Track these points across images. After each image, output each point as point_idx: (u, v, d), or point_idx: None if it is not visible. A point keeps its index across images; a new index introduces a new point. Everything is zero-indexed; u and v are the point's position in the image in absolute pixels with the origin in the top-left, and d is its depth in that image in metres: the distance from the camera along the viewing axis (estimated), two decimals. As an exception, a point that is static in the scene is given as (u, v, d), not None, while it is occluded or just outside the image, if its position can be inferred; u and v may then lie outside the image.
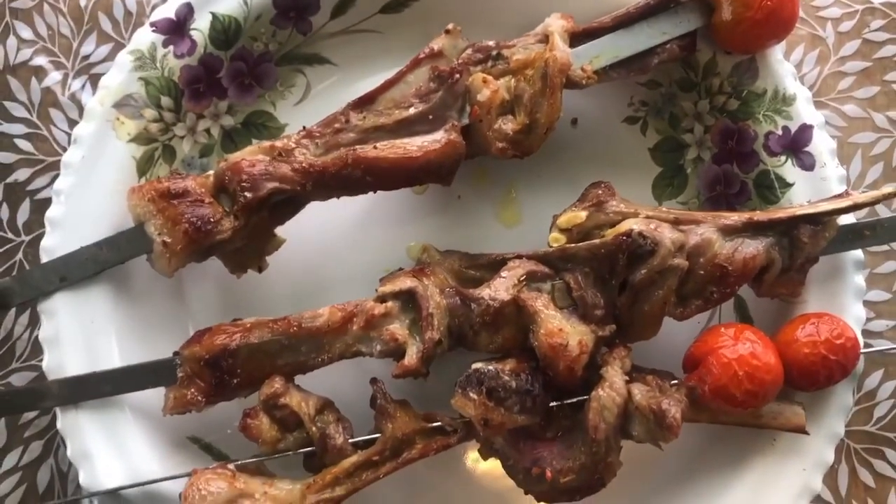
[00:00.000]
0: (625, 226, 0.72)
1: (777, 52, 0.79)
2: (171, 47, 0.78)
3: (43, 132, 0.85)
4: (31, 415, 0.82)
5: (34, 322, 0.77)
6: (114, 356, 0.77)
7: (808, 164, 0.78)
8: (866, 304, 0.83)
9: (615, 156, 0.85)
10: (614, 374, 0.70)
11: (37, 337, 0.77)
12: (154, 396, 0.75)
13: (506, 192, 0.85)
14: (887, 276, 0.85)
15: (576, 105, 0.84)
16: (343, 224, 0.84)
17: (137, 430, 0.76)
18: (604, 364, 0.71)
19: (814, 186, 0.78)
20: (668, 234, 0.71)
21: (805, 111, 0.78)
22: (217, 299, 0.82)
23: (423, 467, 0.75)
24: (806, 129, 0.78)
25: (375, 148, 0.73)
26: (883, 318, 0.84)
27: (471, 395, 0.69)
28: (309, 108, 0.84)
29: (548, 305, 0.72)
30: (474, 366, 0.71)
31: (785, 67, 0.79)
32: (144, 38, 0.78)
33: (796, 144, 0.78)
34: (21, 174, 0.85)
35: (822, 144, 0.78)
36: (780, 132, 0.78)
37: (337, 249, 0.84)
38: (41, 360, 0.75)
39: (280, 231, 0.78)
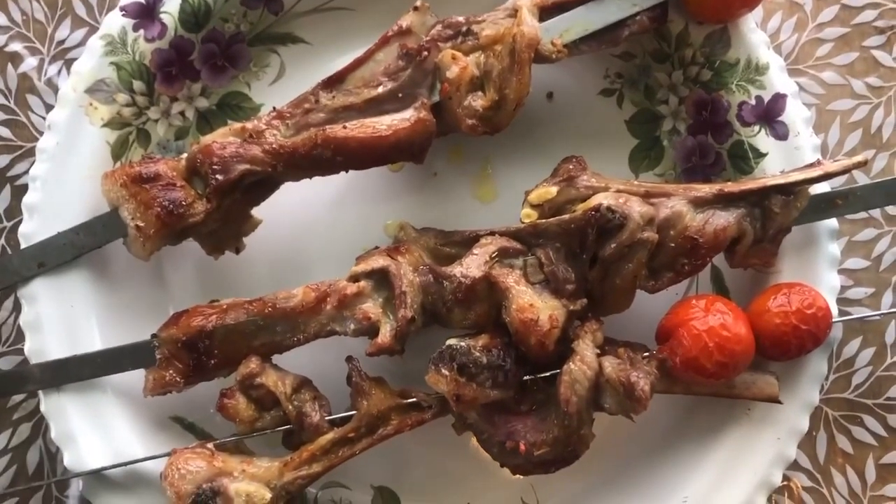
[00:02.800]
0: (594, 200, 0.72)
1: (750, 21, 0.78)
2: (141, 31, 0.78)
3: (21, 118, 0.86)
4: (19, 397, 0.84)
5: (19, 307, 0.79)
6: (94, 339, 0.78)
7: (781, 133, 0.78)
8: (845, 271, 0.84)
9: (592, 129, 0.85)
10: (585, 348, 0.71)
11: (22, 321, 0.78)
12: (135, 378, 0.76)
13: (481, 168, 0.85)
14: (866, 244, 0.85)
15: (551, 78, 0.84)
16: (320, 203, 0.84)
17: (120, 411, 0.78)
18: (576, 338, 0.72)
19: (787, 156, 0.77)
20: (636, 208, 0.71)
21: (778, 80, 0.78)
22: (196, 281, 0.83)
23: (410, 440, 0.77)
24: (779, 99, 0.78)
25: (345, 128, 0.73)
26: (861, 285, 0.84)
27: (443, 371, 0.70)
28: (284, 88, 0.84)
29: (519, 281, 0.72)
30: (448, 342, 0.72)
31: (758, 36, 0.78)
32: (115, 22, 0.78)
33: (769, 114, 0.78)
34: (0, 160, 0.85)
35: (795, 114, 0.78)
36: (753, 102, 0.78)
37: (315, 228, 0.84)
38: (26, 345, 0.77)
39: (257, 211, 0.79)
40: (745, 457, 0.77)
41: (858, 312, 0.83)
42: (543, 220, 0.73)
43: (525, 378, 0.73)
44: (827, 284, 0.76)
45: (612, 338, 0.75)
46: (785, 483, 0.82)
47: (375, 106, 0.74)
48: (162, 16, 0.79)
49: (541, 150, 0.84)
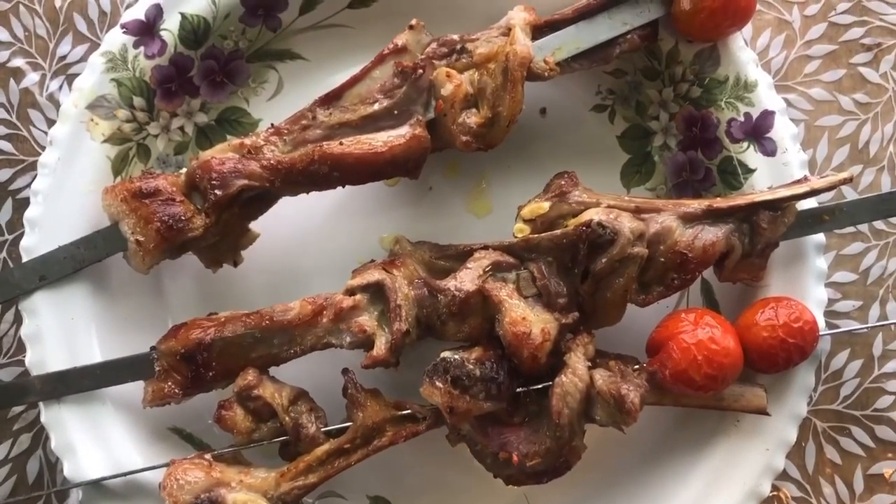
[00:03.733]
0: (585, 216, 0.73)
1: (738, 39, 0.80)
2: (141, 48, 0.80)
3: (23, 133, 0.87)
4: (19, 409, 0.85)
5: (20, 319, 0.80)
6: (94, 351, 0.79)
7: (769, 149, 0.79)
8: (833, 285, 0.85)
9: (584, 144, 0.86)
10: (577, 361, 0.72)
11: (23, 333, 0.79)
12: (135, 389, 0.77)
13: (476, 182, 0.86)
14: (854, 258, 0.86)
15: (544, 94, 0.85)
16: (317, 216, 0.85)
17: (119, 422, 0.79)
18: (567, 350, 0.73)
19: (776, 172, 0.79)
20: (627, 224, 0.72)
21: (766, 97, 0.79)
22: (195, 294, 0.84)
23: (405, 450, 0.78)
24: (767, 116, 0.79)
25: (341, 144, 0.75)
26: (849, 298, 0.86)
27: (437, 383, 0.71)
28: (282, 104, 0.86)
29: (512, 295, 0.73)
30: (442, 355, 0.73)
31: (746, 54, 0.80)
32: (115, 39, 0.80)
33: (758, 130, 0.79)
34: (2, 174, 0.86)
35: (783, 130, 0.79)
36: (742, 119, 0.80)
37: (312, 241, 0.85)
38: (27, 356, 0.78)
39: (255, 225, 0.80)
40: (734, 467, 0.78)
41: (846, 325, 0.84)
42: (536, 235, 0.75)
43: (518, 390, 0.74)
44: (814, 298, 0.78)
45: (603, 350, 0.76)
46: (774, 493, 0.84)
47: (371, 122, 0.76)
48: (162, 33, 0.80)
49: (534, 166, 0.85)
